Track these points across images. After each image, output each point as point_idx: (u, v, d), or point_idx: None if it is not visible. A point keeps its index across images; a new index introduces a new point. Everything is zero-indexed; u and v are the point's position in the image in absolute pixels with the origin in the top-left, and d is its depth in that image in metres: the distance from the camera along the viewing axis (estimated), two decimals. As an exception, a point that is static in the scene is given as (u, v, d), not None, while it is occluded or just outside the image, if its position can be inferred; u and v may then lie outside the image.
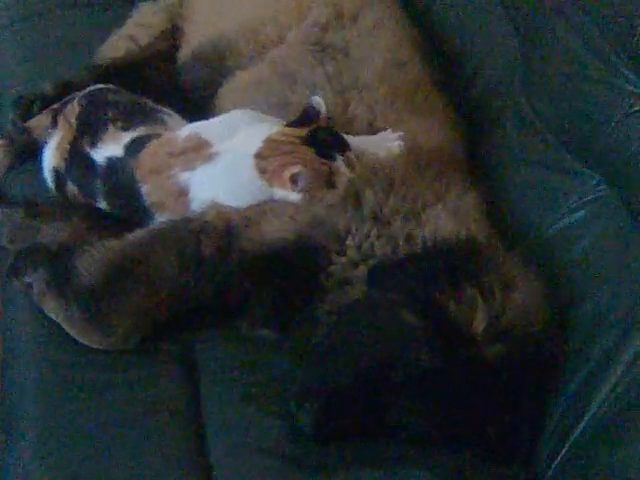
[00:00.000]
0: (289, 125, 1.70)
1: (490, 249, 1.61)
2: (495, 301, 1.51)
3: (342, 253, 1.62)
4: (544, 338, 1.53)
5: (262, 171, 1.65)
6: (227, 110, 1.84)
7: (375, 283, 1.56)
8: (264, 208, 1.65)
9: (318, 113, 1.69)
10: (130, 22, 2.19)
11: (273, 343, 1.64)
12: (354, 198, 1.64)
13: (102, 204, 1.76)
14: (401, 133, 1.72)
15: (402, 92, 1.84)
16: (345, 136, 1.69)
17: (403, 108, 1.81)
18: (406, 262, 1.57)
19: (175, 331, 1.63)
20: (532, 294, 1.56)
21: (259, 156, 1.65)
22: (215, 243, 1.62)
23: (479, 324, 1.49)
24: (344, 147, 1.66)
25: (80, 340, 1.58)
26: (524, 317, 1.53)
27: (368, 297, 1.56)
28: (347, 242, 1.62)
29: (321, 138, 1.66)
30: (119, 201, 1.75)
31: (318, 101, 1.70)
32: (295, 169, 1.62)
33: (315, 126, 1.68)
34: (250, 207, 1.66)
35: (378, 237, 1.61)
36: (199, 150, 1.69)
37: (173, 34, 2.15)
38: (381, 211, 1.63)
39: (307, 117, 1.70)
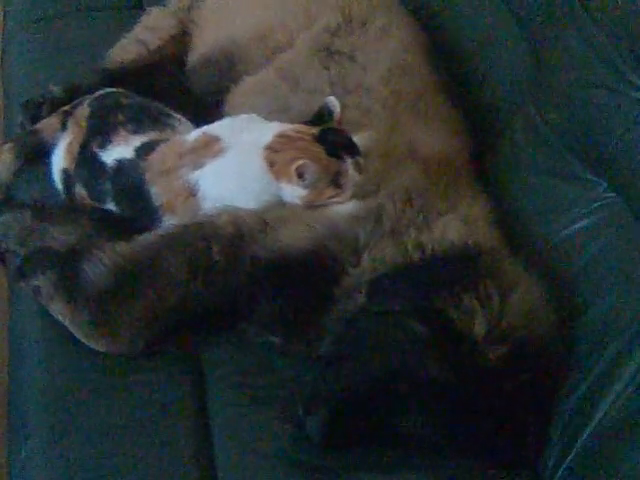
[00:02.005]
0: (303, 123, 1.69)
1: (492, 255, 1.60)
2: (493, 306, 1.51)
3: (357, 265, 1.60)
4: (547, 340, 1.53)
5: (271, 164, 1.64)
6: (235, 115, 1.84)
7: (376, 294, 1.55)
8: (284, 214, 1.64)
9: (332, 113, 1.69)
10: (140, 26, 2.18)
11: (279, 347, 1.64)
12: (376, 212, 1.63)
13: (110, 206, 1.75)
14: None
15: (405, 97, 1.83)
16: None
17: (405, 112, 1.80)
18: (406, 272, 1.57)
19: (182, 334, 1.63)
20: (532, 296, 1.56)
21: (270, 148, 1.64)
22: (226, 249, 1.60)
23: (479, 330, 1.49)
24: (354, 151, 1.65)
25: (87, 343, 1.58)
26: (524, 318, 1.53)
27: (375, 306, 1.55)
28: (364, 255, 1.60)
29: (332, 138, 1.65)
30: (128, 203, 1.74)
31: (333, 102, 1.69)
32: (302, 162, 1.61)
33: (328, 126, 1.68)
34: (268, 212, 1.64)
35: (392, 248, 1.61)
36: (208, 147, 1.68)
37: (183, 38, 2.15)
38: (398, 224, 1.62)
39: (321, 116, 1.69)
